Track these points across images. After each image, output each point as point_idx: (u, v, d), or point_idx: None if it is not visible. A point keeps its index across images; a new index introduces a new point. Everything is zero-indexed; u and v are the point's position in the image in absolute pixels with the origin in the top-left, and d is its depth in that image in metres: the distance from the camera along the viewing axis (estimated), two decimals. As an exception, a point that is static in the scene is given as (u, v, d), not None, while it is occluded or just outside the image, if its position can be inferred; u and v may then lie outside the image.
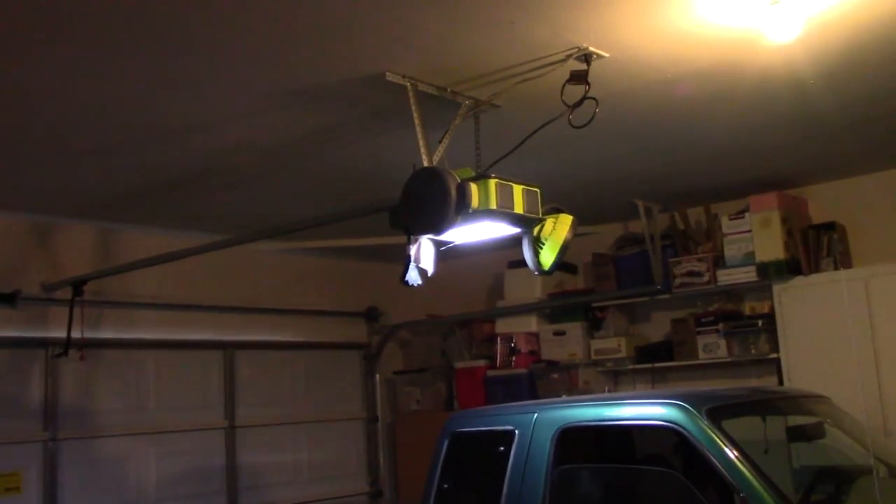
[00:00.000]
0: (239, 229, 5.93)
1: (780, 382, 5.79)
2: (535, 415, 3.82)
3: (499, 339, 7.20)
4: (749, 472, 3.17)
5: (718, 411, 3.45)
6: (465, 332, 7.58)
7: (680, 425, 3.39)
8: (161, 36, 3.30)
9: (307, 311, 7.26)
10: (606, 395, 5.26)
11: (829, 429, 4.03)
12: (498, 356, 7.15)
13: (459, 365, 7.38)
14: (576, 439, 3.81)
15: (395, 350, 8.02)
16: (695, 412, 3.39)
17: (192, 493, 6.34)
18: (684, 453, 3.80)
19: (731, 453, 3.23)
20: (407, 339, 8.09)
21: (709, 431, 3.32)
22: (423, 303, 7.70)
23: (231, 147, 4.67)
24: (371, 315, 7.80)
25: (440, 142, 3.94)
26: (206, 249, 5.30)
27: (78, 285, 5.59)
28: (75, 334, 5.65)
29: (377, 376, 7.78)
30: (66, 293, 5.64)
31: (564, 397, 4.89)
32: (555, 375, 6.81)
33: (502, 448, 3.82)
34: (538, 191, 3.70)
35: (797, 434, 3.87)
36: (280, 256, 7.04)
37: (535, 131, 3.85)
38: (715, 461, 3.24)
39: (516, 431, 3.81)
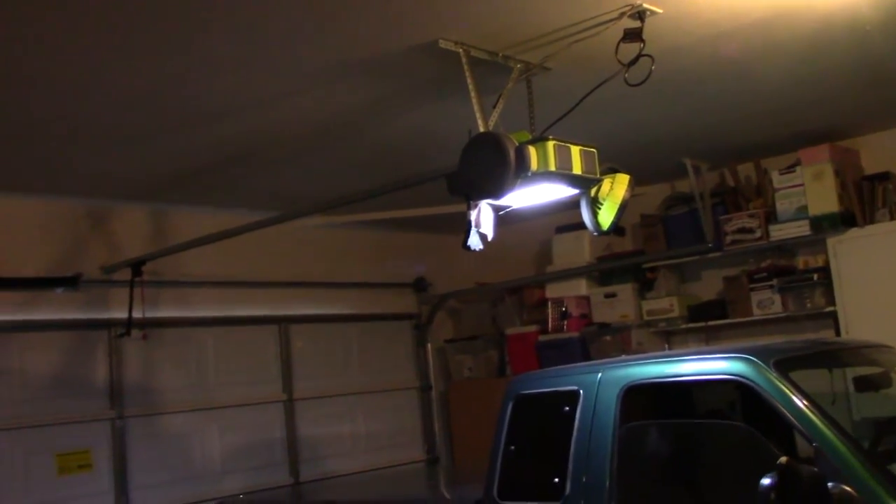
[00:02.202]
0: (290, 205, 5.99)
1: (838, 335, 5.76)
2: (600, 374, 3.82)
3: (549, 303, 7.22)
4: (822, 421, 3.15)
5: (786, 363, 3.43)
6: (515, 299, 7.61)
7: (748, 378, 3.37)
8: (206, 14, 3.34)
9: (357, 284, 7.33)
10: (670, 352, 5.26)
11: (895, 378, 4.01)
12: (549, 321, 7.18)
13: (510, 331, 7.42)
14: (641, 397, 3.81)
15: (444, 319, 8.08)
16: (762, 364, 3.37)
17: (255, 466, 6.47)
18: (752, 406, 3.81)
19: (802, 403, 3.21)
20: (456, 308, 8.13)
21: (778, 383, 3.30)
22: (471, 272, 7.74)
23: (281, 123, 4.72)
24: (420, 285, 7.85)
25: (494, 107, 3.94)
26: (258, 226, 5.36)
27: (136, 266, 5.69)
28: (136, 314, 5.77)
29: (428, 345, 7.84)
30: (125, 274, 5.75)
31: (626, 356, 4.89)
32: (607, 338, 6.83)
33: (567, 408, 3.83)
34: (595, 151, 3.70)
35: (864, 384, 3.85)
36: (328, 231, 7.09)
37: (593, 90, 3.84)
38: (786, 412, 3.22)
39: (581, 391, 3.81)
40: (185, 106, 4.31)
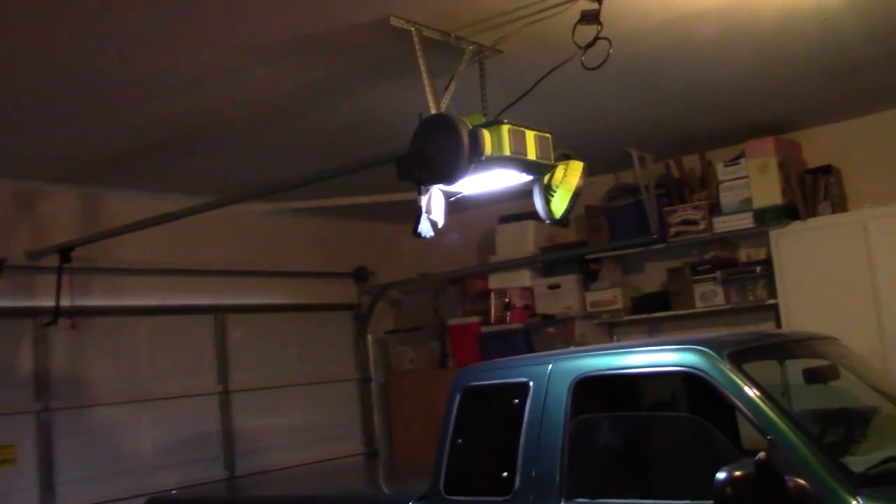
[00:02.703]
0: (229, 190, 5.79)
1: (779, 328, 5.79)
2: (550, 366, 3.75)
3: (492, 294, 7.14)
4: (775, 414, 3.12)
5: (739, 354, 3.39)
6: (458, 289, 7.51)
7: (702, 370, 3.32)
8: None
9: (297, 273, 7.17)
10: (621, 343, 5.21)
11: (841, 370, 4.02)
12: (492, 312, 7.10)
13: (453, 322, 7.33)
14: (593, 389, 3.76)
15: (385, 310, 7.96)
16: (716, 356, 3.32)
17: (189, 459, 6.27)
18: (697, 398, 3.77)
19: (756, 395, 3.18)
20: (397, 299, 8.01)
21: (732, 375, 3.26)
22: (413, 261, 7.63)
23: (220, 104, 4.53)
24: (360, 275, 7.70)
25: (446, 89, 3.82)
26: (194, 211, 5.17)
27: (65, 252, 5.44)
28: (64, 302, 5.53)
29: (369, 336, 7.72)
30: (52, 261, 5.50)
31: (577, 348, 4.83)
32: (550, 329, 6.77)
33: (517, 400, 3.75)
34: (550, 137, 3.62)
35: (814, 375, 3.85)
36: (268, 218, 6.91)
37: (550, 72, 3.74)
38: (740, 404, 3.18)
39: (531, 383, 3.73)
40: (118, 83, 4.10)
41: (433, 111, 3.68)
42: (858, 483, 2.92)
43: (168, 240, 6.08)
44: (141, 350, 6.17)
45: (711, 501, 2.87)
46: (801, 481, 2.93)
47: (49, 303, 5.52)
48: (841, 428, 3.75)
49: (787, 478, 2.91)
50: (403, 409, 7.45)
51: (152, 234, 5.64)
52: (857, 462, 3.14)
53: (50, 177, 5.56)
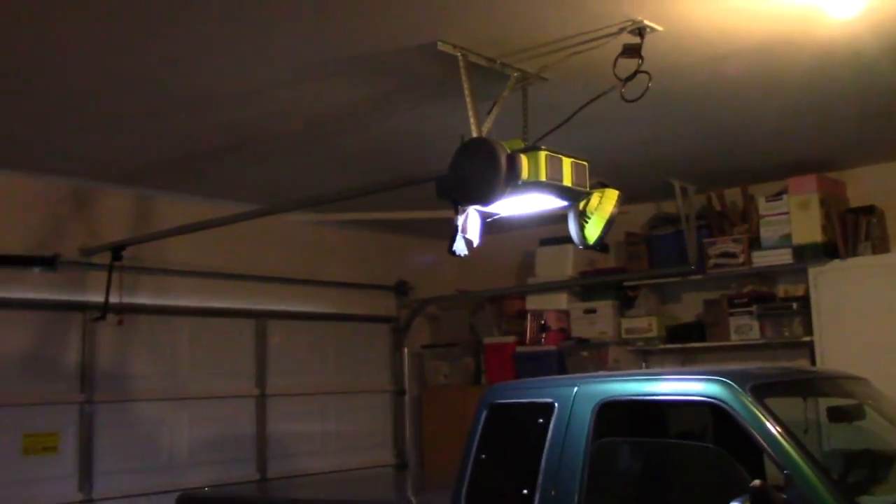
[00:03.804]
0: (277, 200, 5.96)
1: (813, 365, 5.78)
2: (576, 388, 3.82)
3: (529, 315, 7.21)
4: (794, 449, 3.16)
5: (763, 389, 3.44)
6: (495, 308, 7.60)
7: (724, 401, 3.38)
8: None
9: (338, 284, 7.30)
10: (647, 370, 5.25)
11: (868, 411, 4.03)
12: (528, 332, 7.17)
13: (488, 340, 7.41)
14: (616, 413, 3.81)
15: (423, 324, 8.05)
16: (739, 389, 3.37)
17: (222, 459, 6.41)
18: (725, 430, 3.80)
19: (776, 430, 3.22)
20: (436, 314, 8.11)
21: (753, 408, 3.31)
22: (453, 278, 7.74)
23: (273, 115, 4.69)
24: (401, 289, 7.82)
25: (488, 113, 3.93)
26: (243, 218, 5.33)
27: (117, 250, 5.63)
28: (113, 299, 5.71)
29: (405, 350, 7.82)
30: (104, 258, 5.69)
31: (604, 372, 4.88)
32: (584, 353, 6.82)
33: (541, 420, 3.82)
34: (587, 164, 3.70)
35: (838, 414, 3.86)
36: (313, 228, 7.07)
37: (588, 103, 3.84)
38: (759, 438, 3.23)
39: (556, 404, 3.80)
40: (176, 91, 4.28)
41: (474, 134, 3.79)
42: (871, 522, 2.96)
43: (215, 244, 6.25)
44: (183, 349, 6.33)
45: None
46: (815, 517, 2.97)
47: (98, 298, 5.71)
48: (862, 468, 3.77)
49: (800, 513, 2.95)
50: (435, 423, 7.54)
51: (200, 237, 5.82)
52: (873, 502, 3.17)
53: (106, 177, 5.77)
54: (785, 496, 3.00)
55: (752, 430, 3.27)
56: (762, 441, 3.23)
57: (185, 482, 5.88)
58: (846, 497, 3.07)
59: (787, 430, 3.25)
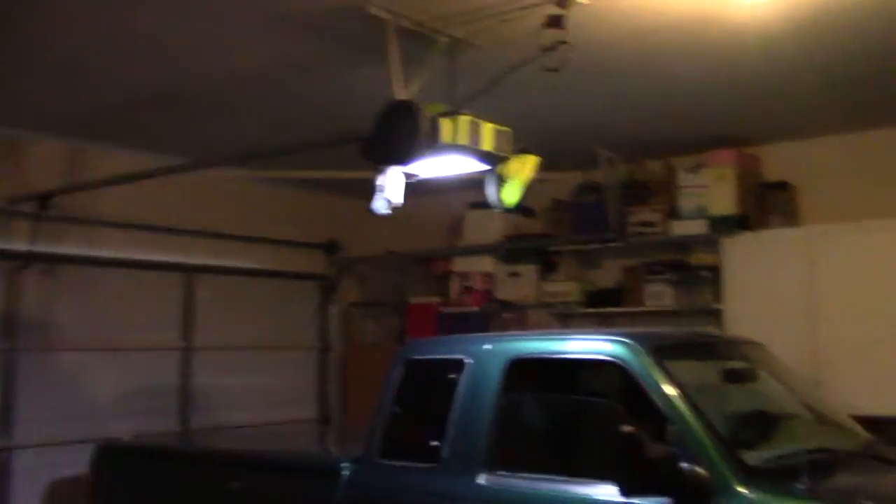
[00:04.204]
0: (202, 154, 5.97)
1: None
2: (487, 346, 3.97)
3: (454, 276, 7.36)
4: (684, 406, 3.35)
5: (662, 350, 3.62)
6: (422, 269, 7.74)
7: (624, 360, 3.55)
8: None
9: (268, 240, 7.35)
10: (556, 330, 5.44)
11: (763, 375, 4.26)
12: (452, 293, 7.33)
13: (414, 300, 7.55)
14: (525, 371, 3.97)
15: (351, 283, 8.16)
16: (640, 349, 3.56)
17: (145, 410, 6.42)
18: (626, 388, 4.00)
19: (670, 388, 3.41)
20: (364, 273, 8.22)
21: (650, 368, 3.49)
22: (382, 238, 7.83)
23: (205, 71, 4.71)
24: (331, 247, 7.91)
25: (415, 77, 4.02)
26: (172, 171, 5.36)
27: (44, 199, 5.61)
28: (39, 248, 5.69)
29: (333, 307, 7.92)
30: (31, 208, 5.66)
31: (515, 331, 5.06)
32: (507, 315, 7.01)
33: (453, 376, 3.97)
34: (509, 131, 3.83)
35: (732, 376, 4.08)
36: (245, 185, 7.09)
37: (509, 71, 3.94)
38: (654, 395, 3.42)
39: (468, 361, 3.95)
40: (110, 44, 4.28)
41: (399, 97, 3.88)
42: (751, 475, 3.17)
43: (145, 197, 6.25)
44: (109, 301, 6.34)
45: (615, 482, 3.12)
46: (699, 469, 3.17)
47: (24, 247, 5.68)
48: (751, 426, 3.99)
49: (686, 465, 3.15)
50: (360, 380, 7.66)
51: (130, 190, 5.82)
52: (755, 457, 3.38)
53: (36, 126, 5.72)
54: (674, 449, 3.19)
55: (649, 388, 3.45)
56: (656, 398, 3.42)
57: (106, 432, 5.87)
58: (729, 451, 3.28)
59: (681, 389, 3.45)
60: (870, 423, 4.37)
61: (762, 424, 4.03)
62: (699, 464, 3.16)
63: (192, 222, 6.74)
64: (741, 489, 3.09)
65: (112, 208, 6.20)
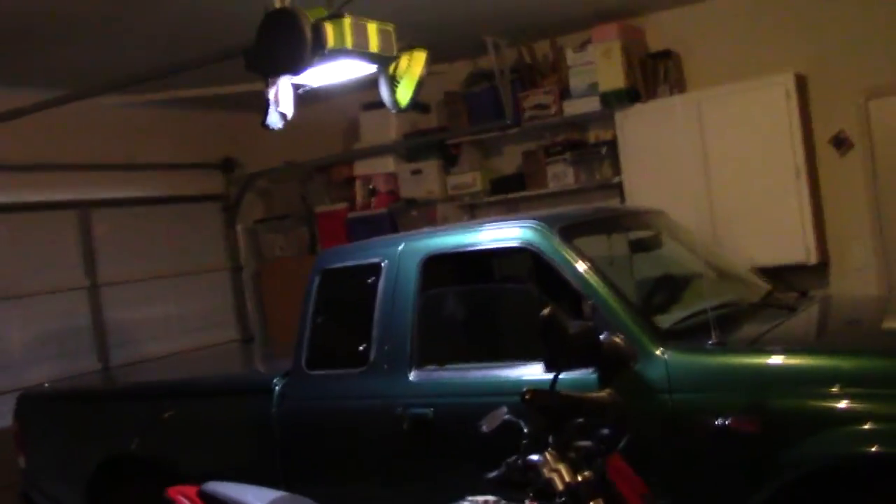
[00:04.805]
0: (80, 83, 5.69)
1: (623, 204, 6.22)
2: (401, 246, 4.01)
3: (357, 181, 7.34)
4: (597, 281, 3.48)
5: (570, 230, 3.73)
6: (324, 177, 7.67)
7: (535, 245, 3.65)
8: None
9: (161, 165, 7.16)
10: (467, 222, 5.51)
11: (667, 240, 4.44)
12: (357, 198, 7.31)
13: (320, 209, 7.51)
14: (440, 266, 4.04)
15: (254, 199, 8.05)
16: (548, 231, 3.65)
17: (61, 354, 6.36)
18: (540, 270, 4.11)
19: (582, 266, 3.53)
20: (266, 188, 8.11)
21: (560, 248, 3.59)
22: (280, 150, 7.69)
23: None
24: (227, 166, 7.75)
25: (290, -18, 3.89)
26: (47, 105, 5.09)
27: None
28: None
29: (238, 226, 7.83)
30: None
31: (428, 228, 5.10)
32: (414, 213, 7.05)
33: (371, 280, 4.02)
34: (392, 29, 3.76)
35: (638, 245, 4.24)
36: (129, 111, 6.83)
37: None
38: (567, 275, 3.53)
39: (384, 263, 3.99)
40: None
41: (277, 5, 3.76)
42: (665, 337, 3.34)
43: (25, 136, 5.95)
44: (3, 248, 6.13)
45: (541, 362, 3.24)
46: (616, 338, 3.30)
47: None
48: (662, 291, 4.19)
49: (604, 335, 3.29)
50: (276, 296, 7.66)
51: (7, 129, 5.52)
52: (667, 320, 3.56)
53: None
54: (591, 323, 3.32)
55: (561, 269, 3.56)
56: (570, 277, 3.53)
57: (24, 381, 5.81)
58: (644, 317, 3.44)
59: (593, 265, 3.57)
60: (768, 273, 4.63)
61: (671, 288, 4.23)
62: (617, 333, 3.31)
63: (80, 156, 6.51)
64: (657, 352, 3.26)
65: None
